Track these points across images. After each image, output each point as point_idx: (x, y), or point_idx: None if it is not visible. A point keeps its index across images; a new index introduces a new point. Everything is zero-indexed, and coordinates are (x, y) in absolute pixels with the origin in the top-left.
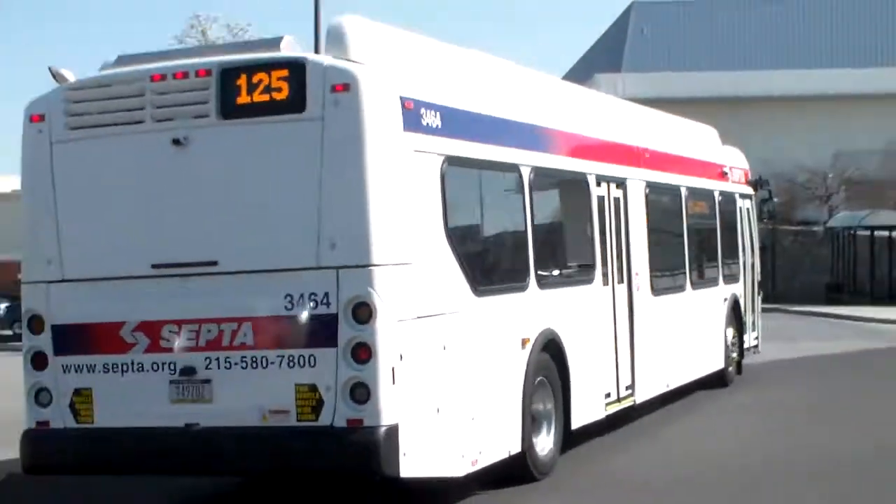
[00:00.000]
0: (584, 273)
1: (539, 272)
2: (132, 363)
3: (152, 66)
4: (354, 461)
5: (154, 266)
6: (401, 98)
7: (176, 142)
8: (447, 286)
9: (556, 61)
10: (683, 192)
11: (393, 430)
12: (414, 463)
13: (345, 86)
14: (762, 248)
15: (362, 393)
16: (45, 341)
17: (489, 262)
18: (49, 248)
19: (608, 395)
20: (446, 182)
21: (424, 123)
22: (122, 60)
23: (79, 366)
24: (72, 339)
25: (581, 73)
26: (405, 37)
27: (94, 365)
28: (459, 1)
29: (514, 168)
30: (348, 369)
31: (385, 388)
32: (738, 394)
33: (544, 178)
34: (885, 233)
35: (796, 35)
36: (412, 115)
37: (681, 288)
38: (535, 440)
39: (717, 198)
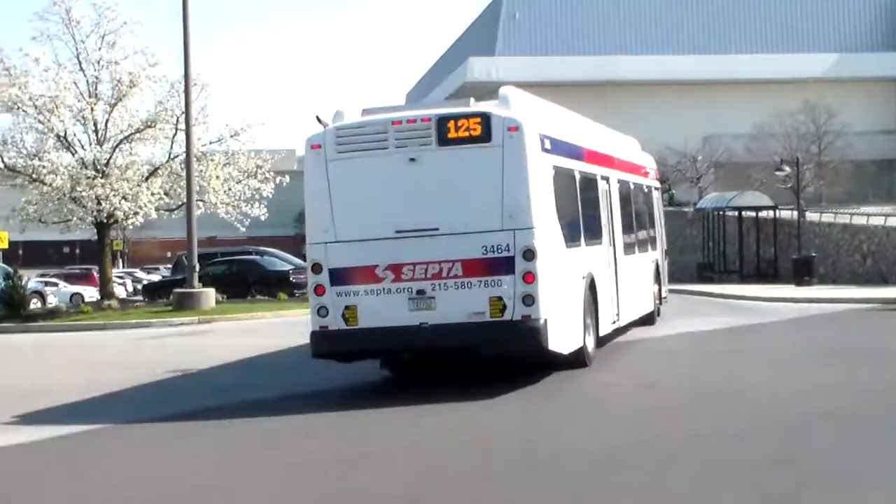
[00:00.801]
0: (598, 237)
1: (585, 234)
2: (383, 289)
3: (391, 116)
4: (524, 339)
5: (397, 231)
6: (538, 134)
7: (411, 160)
8: (556, 241)
9: (430, 44)
10: (631, 185)
11: (545, 322)
12: (552, 342)
13: (515, 128)
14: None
15: (529, 300)
16: (323, 278)
17: (569, 228)
18: (326, 223)
19: (610, 318)
20: (554, 181)
21: (545, 147)
22: (367, 112)
23: (347, 292)
24: (342, 276)
25: (456, 56)
26: (530, 97)
27: (358, 291)
28: None
29: (572, 172)
30: (521, 287)
31: (542, 297)
32: (662, 327)
33: (583, 178)
34: (752, 213)
35: (665, 21)
36: (542, 142)
37: (633, 250)
38: (586, 340)
39: (644, 189)
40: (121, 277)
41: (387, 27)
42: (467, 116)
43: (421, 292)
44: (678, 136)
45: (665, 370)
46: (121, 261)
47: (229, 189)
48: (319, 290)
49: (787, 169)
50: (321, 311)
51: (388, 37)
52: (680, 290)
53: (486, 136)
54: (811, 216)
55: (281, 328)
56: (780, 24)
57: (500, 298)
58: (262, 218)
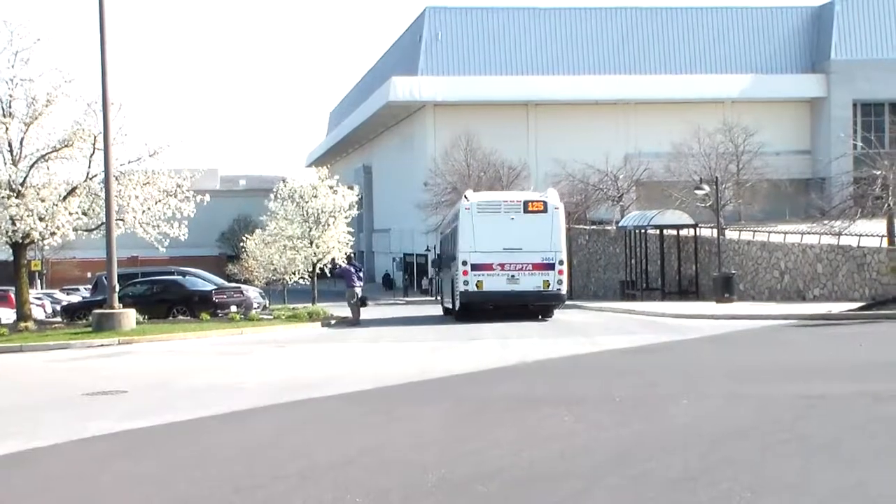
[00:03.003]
0: (563, 256)
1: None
2: (495, 274)
3: (503, 198)
4: (557, 300)
5: (503, 248)
6: (563, 210)
7: (511, 218)
8: (565, 258)
9: (351, 65)
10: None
11: (565, 294)
12: (563, 303)
13: (557, 207)
14: None
15: (559, 283)
16: (468, 268)
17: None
18: (471, 243)
19: None
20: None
21: (563, 215)
22: (489, 195)
23: (478, 274)
24: (476, 267)
25: (378, 76)
26: (555, 191)
27: (483, 274)
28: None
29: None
30: (556, 277)
31: (563, 282)
32: (585, 345)
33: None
34: (673, 231)
35: (586, 42)
36: (564, 213)
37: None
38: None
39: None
40: (39, 298)
41: (308, 48)
42: (536, 201)
43: (513, 276)
44: (599, 154)
45: (586, 385)
46: (39, 281)
47: (148, 209)
48: (465, 273)
49: (707, 188)
50: (466, 283)
51: (309, 57)
52: (604, 308)
53: (544, 210)
54: (730, 234)
55: (204, 348)
56: (698, 45)
57: (547, 281)
58: (183, 238)
